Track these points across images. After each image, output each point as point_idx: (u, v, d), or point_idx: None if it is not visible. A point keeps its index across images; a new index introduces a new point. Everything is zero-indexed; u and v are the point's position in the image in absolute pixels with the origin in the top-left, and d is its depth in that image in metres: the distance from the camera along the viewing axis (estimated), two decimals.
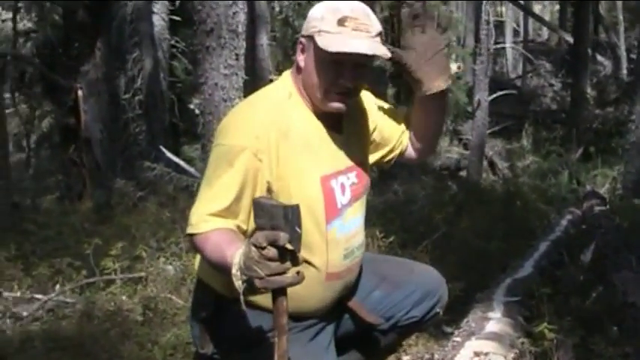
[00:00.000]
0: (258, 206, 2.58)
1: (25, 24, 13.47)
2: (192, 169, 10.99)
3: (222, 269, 2.77)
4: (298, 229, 2.54)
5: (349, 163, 3.23)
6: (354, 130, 3.29)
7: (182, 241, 6.15)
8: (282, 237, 2.44)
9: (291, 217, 2.52)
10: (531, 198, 9.68)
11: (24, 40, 13.32)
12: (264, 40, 16.82)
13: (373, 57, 3.03)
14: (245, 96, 7.69)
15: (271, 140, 2.95)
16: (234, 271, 2.59)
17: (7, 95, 10.63)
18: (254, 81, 13.77)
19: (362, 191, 3.32)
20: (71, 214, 7.49)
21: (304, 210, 2.72)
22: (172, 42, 15.16)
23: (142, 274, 5.56)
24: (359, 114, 3.34)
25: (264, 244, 2.46)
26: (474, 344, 3.55)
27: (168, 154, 12.06)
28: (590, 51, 19.52)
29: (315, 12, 3.05)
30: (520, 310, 4.39)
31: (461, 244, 6.48)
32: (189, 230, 2.92)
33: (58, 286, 5.32)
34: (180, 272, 5.57)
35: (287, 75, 3.22)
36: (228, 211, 2.92)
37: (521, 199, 9.58)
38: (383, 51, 3.00)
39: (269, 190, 2.92)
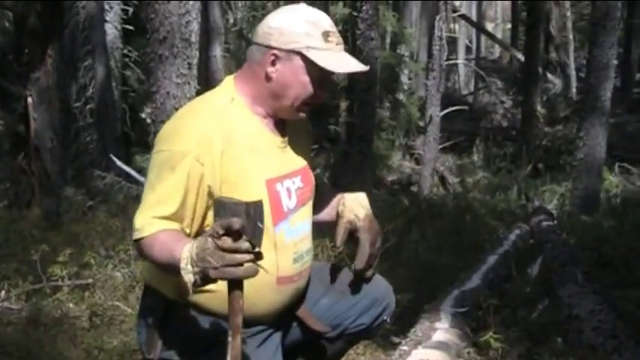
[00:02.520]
0: (219, 205, 2.61)
1: None
2: (142, 179, 10.94)
3: (170, 268, 2.76)
4: (260, 225, 2.59)
5: (294, 167, 3.25)
6: (296, 136, 3.31)
7: (131, 248, 6.12)
8: (235, 221, 2.47)
9: (253, 213, 2.56)
10: (481, 213, 9.75)
11: None
12: (217, 51, 16.87)
13: None
14: None
15: (214, 144, 2.96)
16: (182, 264, 2.61)
17: None
18: (207, 90, 13.78)
19: (309, 196, 3.34)
20: (19, 222, 7.45)
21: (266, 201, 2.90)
22: (125, 51, 15.14)
23: (90, 280, 5.55)
24: (299, 124, 3.37)
25: (220, 232, 2.49)
26: (420, 353, 3.58)
27: (119, 164, 12.03)
28: (540, 69, 19.71)
29: (292, 25, 3.08)
30: (467, 321, 4.43)
31: (410, 257, 6.53)
32: (136, 235, 2.91)
33: (3, 293, 5.29)
34: (128, 279, 5.56)
35: (229, 81, 3.24)
36: (174, 216, 2.92)
37: (471, 213, 9.65)
38: (362, 67, 3.15)
39: (210, 195, 2.93)
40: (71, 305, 5.13)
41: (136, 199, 9.54)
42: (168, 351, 3.20)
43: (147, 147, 11.13)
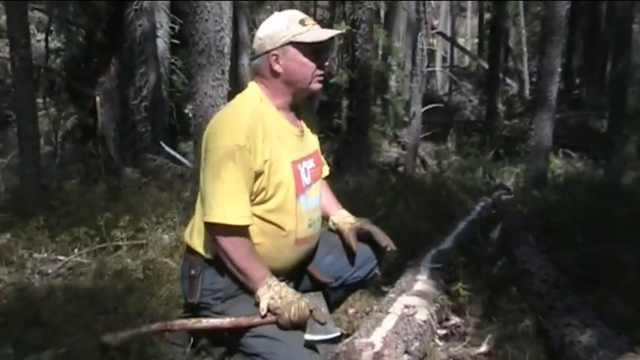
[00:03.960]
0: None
1: (55, 44, 13.31)
2: (185, 161, 10.96)
3: (241, 272, 3.07)
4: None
5: (308, 151, 3.39)
6: (309, 127, 3.44)
7: (176, 215, 6.16)
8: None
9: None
10: (453, 189, 9.71)
11: (54, 57, 13.18)
12: (244, 60, 16.85)
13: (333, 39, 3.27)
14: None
15: (257, 136, 3.07)
16: (264, 307, 2.99)
17: (40, 100, 10.49)
18: (236, 92, 13.72)
19: (319, 174, 3.48)
20: (88, 195, 7.43)
21: (282, 187, 3.14)
22: (172, 60, 15.08)
23: (143, 241, 5.54)
24: (310, 118, 3.49)
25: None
26: (404, 299, 3.57)
27: (167, 149, 12.02)
28: (501, 75, 19.64)
29: (274, 27, 3.22)
30: (441, 274, 4.41)
31: (397, 223, 6.50)
32: (216, 219, 3.02)
33: (76, 250, 5.29)
34: (174, 241, 5.55)
35: (253, 85, 3.32)
36: (245, 199, 3.06)
37: (445, 189, 9.61)
38: (338, 31, 3.36)
39: (256, 175, 3.07)
40: (129, 261, 5.12)
41: (180, 177, 9.61)
42: (205, 297, 3.28)
43: (189, 136, 11.13)
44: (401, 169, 13.84)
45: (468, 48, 28.32)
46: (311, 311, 3.02)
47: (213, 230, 3.07)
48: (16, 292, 4.36)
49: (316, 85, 3.29)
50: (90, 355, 3.33)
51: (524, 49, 24.08)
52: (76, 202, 6.92)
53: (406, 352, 3.04)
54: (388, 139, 17.27)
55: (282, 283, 3.09)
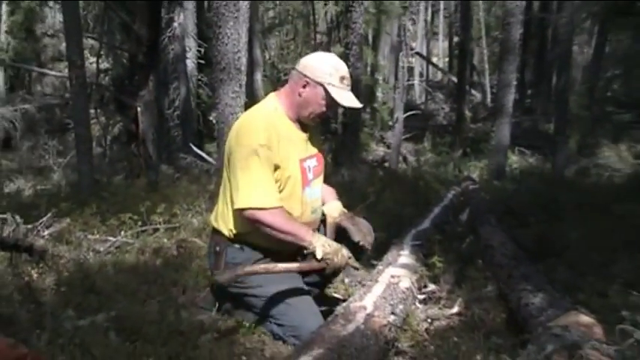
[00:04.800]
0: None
1: (104, 64, 13.34)
2: (210, 159, 10.95)
3: (286, 233, 3.14)
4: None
5: (312, 152, 3.46)
6: (313, 134, 3.47)
7: (203, 203, 6.23)
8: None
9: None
10: (430, 180, 9.70)
11: (104, 75, 13.21)
12: (258, 76, 16.88)
13: None
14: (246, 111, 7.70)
15: (274, 137, 3.16)
16: (320, 254, 3.09)
17: (92, 111, 10.51)
18: (251, 102, 13.73)
19: (320, 171, 3.53)
20: (132, 187, 7.45)
21: (291, 180, 3.22)
22: (199, 77, 15.08)
23: (177, 224, 5.56)
24: (315, 127, 3.51)
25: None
26: (391, 270, 3.57)
27: (195, 149, 12.03)
28: (467, 87, 19.58)
29: (323, 66, 3.27)
30: (421, 250, 4.41)
31: (384, 208, 6.50)
32: (254, 204, 3.11)
33: (122, 232, 5.29)
34: (201, 224, 5.56)
35: (272, 95, 3.42)
36: (273, 186, 3.16)
37: (423, 180, 9.61)
38: (358, 105, 3.35)
39: (275, 168, 3.17)
40: (165, 240, 5.13)
41: (206, 173, 9.62)
42: (226, 269, 3.31)
43: (213, 138, 11.15)
44: (387, 164, 13.83)
45: (440, 65, 28.25)
46: (349, 258, 3.16)
47: (253, 214, 3.12)
48: (75, 266, 4.36)
49: (315, 121, 3.38)
50: (135, 316, 3.34)
51: (486, 66, 24.06)
52: (122, 193, 6.95)
53: (392, 313, 3.04)
54: (376, 140, 17.25)
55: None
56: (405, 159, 14.66)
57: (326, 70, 3.26)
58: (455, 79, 20.20)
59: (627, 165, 11.55)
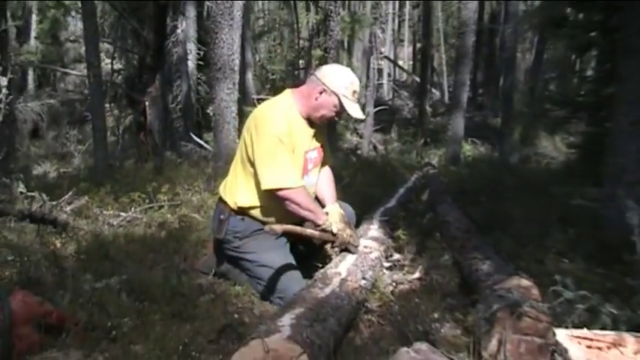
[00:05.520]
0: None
1: (117, 65, 13.24)
2: (208, 147, 10.92)
3: (308, 211, 3.19)
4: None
5: (315, 145, 3.48)
6: (318, 131, 3.47)
7: (201, 184, 6.23)
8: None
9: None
10: (396, 165, 9.72)
11: (117, 74, 13.10)
12: (249, 75, 16.78)
13: None
14: (239, 106, 7.68)
15: (289, 128, 3.19)
16: (335, 230, 3.19)
17: (107, 105, 10.45)
18: (243, 98, 13.72)
19: (319, 162, 3.54)
20: (140, 171, 7.41)
21: (296, 167, 3.25)
22: (198, 76, 14.97)
23: (179, 202, 5.54)
24: (321, 125, 3.49)
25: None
26: (363, 242, 3.57)
27: (195, 138, 12.01)
28: (428, 86, 19.59)
29: (340, 78, 3.32)
30: (388, 225, 4.42)
31: (357, 190, 6.51)
32: (286, 184, 3.14)
33: (132, 209, 5.27)
34: (200, 201, 5.55)
35: (288, 92, 3.44)
36: (294, 169, 3.21)
37: (390, 166, 9.62)
38: (363, 116, 3.54)
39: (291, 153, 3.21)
40: (169, 215, 5.11)
41: (204, 159, 9.58)
42: (228, 235, 3.39)
43: (210, 129, 11.09)
44: (359, 152, 13.81)
45: (406, 67, 28.20)
46: (350, 237, 3.24)
47: (285, 194, 3.15)
48: (92, 237, 4.35)
49: (322, 122, 3.41)
50: (143, 280, 3.34)
51: (444, 68, 24.09)
52: (132, 175, 6.92)
53: (363, 278, 3.05)
54: (350, 130, 17.22)
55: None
56: (374, 147, 14.65)
57: (343, 83, 3.30)
58: (418, 79, 20.19)
59: (561, 154, 11.62)
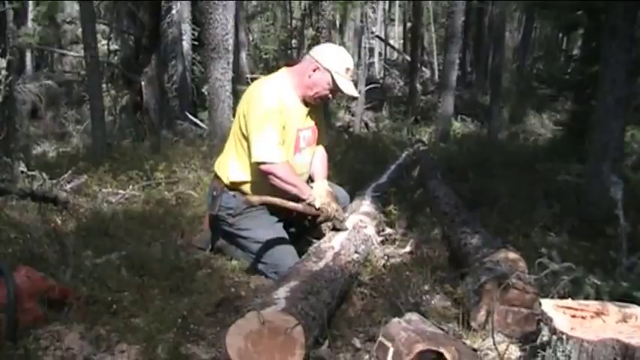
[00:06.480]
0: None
1: (114, 46, 13.14)
2: (203, 125, 10.88)
3: (292, 185, 3.13)
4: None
5: (309, 124, 3.45)
6: (313, 110, 3.43)
7: (197, 161, 6.22)
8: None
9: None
10: (387, 143, 9.71)
11: (113, 55, 12.99)
12: (243, 55, 16.68)
13: None
14: (234, 85, 7.65)
15: (282, 104, 3.16)
16: (318, 204, 3.12)
17: (104, 85, 10.39)
18: (237, 77, 13.65)
19: (312, 141, 3.50)
20: (138, 149, 7.37)
21: (285, 144, 3.20)
22: (193, 56, 14.85)
23: (176, 179, 5.55)
24: (317, 105, 3.45)
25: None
26: (355, 217, 3.58)
27: (191, 117, 11.96)
28: (418, 65, 19.49)
29: (334, 56, 3.29)
30: (380, 200, 4.44)
31: (349, 166, 6.51)
32: (269, 159, 3.09)
33: (130, 186, 5.27)
34: (195, 179, 5.56)
35: (283, 70, 3.41)
36: (280, 145, 3.14)
37: (381, 143, 9.62)
38: (356, 94, 3.59)
39: (282, 130, 3.17)
40: (166, 193, 5.11)
41: (200, 137, 9.57)
42: (221, 212, 3.40)
43: (205, 108, 11.04)
44: (351, 129, 13.77)
45: (396, 46, 28.04)
46: (336, 211, 3.20)
47: (268, 168, 3.12)
48: (92, 214, 4.35)
49: (316, 101, 3.35)
50: (142, 255, 3.35)
51: (434, 47, 23.94)
52: (129, 154, 6.89)
53: (356, 252, 3.07)
54: (342, 109, 17.16)
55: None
56: (366, 125, 14.56)
57: (336, 60, 3.26)
58: (408, 58, 20.06)
59: (548, 130, 11.62)
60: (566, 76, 8.59)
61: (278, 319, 1.97)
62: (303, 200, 3.13)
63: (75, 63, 19.77)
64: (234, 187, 3.35)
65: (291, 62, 3.82)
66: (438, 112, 11.25)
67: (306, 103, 3.36)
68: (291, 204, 3.09)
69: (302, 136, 3.37)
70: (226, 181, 3.36)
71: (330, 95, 3.33)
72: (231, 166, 3.35)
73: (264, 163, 3.10)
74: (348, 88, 3.29)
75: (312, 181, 3.50)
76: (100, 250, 3.42)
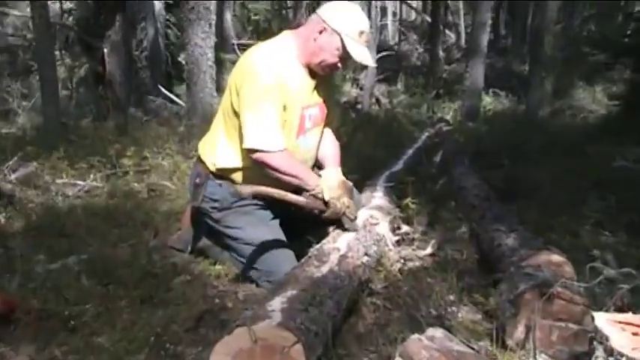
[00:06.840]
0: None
1: (68, 4, 13.09)
2: (180, 101, 10.89)
3: (291, 176, 3.07)
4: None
5: (316, 101, 3.37)
6: (322, 83, 3.36)
7: (173, 146, 6.22)
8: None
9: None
10: (403, 122, 9.72)
11: (68, 15, 12.96)
12: (228, 16, 16.67)
13: None
14: (217, 53, 7.65)
15: (283, 79, 3.09)
16: (327, 197, 3.06)
17: (57, 52, 10.38)
18: (221, 42, 13.65)
19: (320, 120, 3.44)
20: (100, 130, 7.39)
21: (287, 125, 3.17)
22: (167, 17, 14.84)
23: (147, 167, 5.57)
24: (326, 77, 3.39)
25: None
26: (366, 212, 3.58)
27: (165, 91, 11.96)
28: (441, 27, 19.46)
29: (344, 15, 3.20)
30: (394, 191, 4.43)
31: (357, 150, 6.52)
32: (264, 147, 3.03)
33: (91, 176, 5.28)
34: (172, 166, 5.57)
35: (287, 34, 3.34)
36: (279, 129, 3.07)
37: (396, 122, 9.63)
38: (373, 64, 3.52)
39: (283, 109, 3.11)
40: (135, 184, 5.13)
41: (176, 115, 9.58)
42: (205, 204, 3.37)
43: (182, 80, 11.05)
44: (359, 106, 13.77)
45: (414, 4, 28.00)
46: (347, 208, 3.14)
47: (261, 157, 3.06)
48: (44, 210, 4.37)
49: (325, 70, 3.28)
50: (106, 259, 3.35)
51: (461, 5, 23.88)
52: (90, 136, 6.92)
53: (366, 254, 3.06)
54: (349, 81, 17.14)
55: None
56: (377, 101, 14.57)
57: (346, 19, 3.16)
58: (429, 18, 20.03)
59: (601, 106, 11.63)
60: (624, 39, 8.56)
61: (273, 336, 1.97)
62: (307, 191, 3.07)
63: (19, 24, 19.66)
64: (222, 174, 3.30)
65: (293, 24, 3.75)
66: (464, 84, 11.23)
67: (312, 74, 3.29)
68: (292, 196, 3.03)
69: (308, 114, 3.30)
70: (212, 167, 3.31)
71: (339, 64, 3.25)
72: (219, 149, 3.28)
73: (255, 150, 3.03)
74: (361, 55, 3.18)
75: (320, 168, 3.45)
76: (55, 253, 3.42)
